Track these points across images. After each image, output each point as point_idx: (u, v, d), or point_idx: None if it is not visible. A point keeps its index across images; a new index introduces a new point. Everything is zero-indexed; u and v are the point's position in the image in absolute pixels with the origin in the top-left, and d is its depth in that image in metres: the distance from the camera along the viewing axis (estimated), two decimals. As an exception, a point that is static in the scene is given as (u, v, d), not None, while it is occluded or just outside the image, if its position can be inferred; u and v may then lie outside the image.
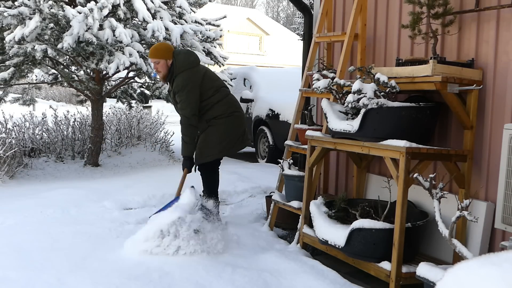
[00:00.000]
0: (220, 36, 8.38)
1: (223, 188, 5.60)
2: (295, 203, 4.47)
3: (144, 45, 7.69)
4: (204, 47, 8.05)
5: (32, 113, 8.89)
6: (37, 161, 7.95)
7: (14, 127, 8.10)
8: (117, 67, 6.78)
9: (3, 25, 6.91)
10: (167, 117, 10.96)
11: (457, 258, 3.28)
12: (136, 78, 8.78)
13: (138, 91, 10.04)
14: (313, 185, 4.24)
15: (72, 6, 7.12)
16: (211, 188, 4.70)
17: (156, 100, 11.06)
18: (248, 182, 6.39)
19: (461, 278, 1.52)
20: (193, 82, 4.40)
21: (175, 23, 7.60)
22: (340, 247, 3.50)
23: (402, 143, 3.21)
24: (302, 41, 5.80)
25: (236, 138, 4.63)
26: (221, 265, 3.86)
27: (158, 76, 4.63)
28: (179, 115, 4.48)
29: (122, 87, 9.06)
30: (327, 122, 3.80)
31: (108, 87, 8.77)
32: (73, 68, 8.35)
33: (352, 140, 3.61)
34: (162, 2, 7.50)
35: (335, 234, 3.55)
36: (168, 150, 9.59)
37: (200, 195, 4.38)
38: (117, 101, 9.74)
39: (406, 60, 3.58)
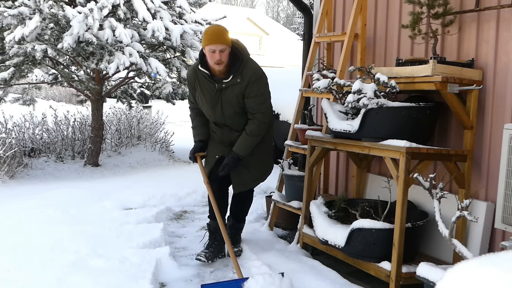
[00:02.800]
0: (220, 36, 8.36)
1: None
2: (295, 203, 4.47)
3: (144, 45, 7.70)
4: (204, 47, 8.04)
5: (32, 113, 8.90)
6: (37, 161, 7.96)
7: (14, 127, 8.11)
8: (117, 67, 6.79)
9: (3, 25, 6.92)
10: (167, 117, 10.97)
11: (457, 258, 3.28)
12: (136, 78, 8.79)
13: (138, 91, 10.05)
14: (313, 185, 4.24)
15: (72, 6, 7.13)
16: (248, 209, 4.23)
17: (156, 100, 11.06)
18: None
19: (461, 278, 1.52)
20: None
21: (175, 23, 7.61)
22: (340, 247, 3.50)
23: (402, 143, 3.21)
24: (302, 41, 5.80)
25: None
26: (221, 265, 3.87)
27: (217, 68, 3.59)
28: (250, 107, 3.67)
29: (122, 87, 9.06)
30: (327, 122, 3.80)
31: (108, 87, 8.77)
32: (73, 68, 8.36)
33: (352, 140, 3.61)
34: (162, 2, 7.51)
35: (335, 234, 3.55)
36: (168, 150, 9.60)
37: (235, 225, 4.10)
38: (117, 101, 9.75)
39: (406, 60, 3.58)
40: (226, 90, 3.64)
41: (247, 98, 3.63)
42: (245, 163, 3.79)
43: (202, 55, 3.67)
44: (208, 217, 4.08)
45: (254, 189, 4.14)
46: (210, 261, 3.83)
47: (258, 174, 3.97)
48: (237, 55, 3.61)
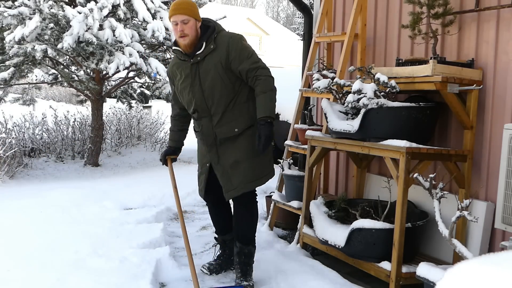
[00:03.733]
0: (220, 36, 8.37)
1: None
2: (295, 203, 4.47)
3: (144, 45, 7.70)
4: (204, 47, 8.04)
5: (32, 113, 8.91)
6: (37, 161, 7.96)
7: (14, 127, 8.12)
8: (117, 67, 6.79)
9: (3, 25, 6.92)
10: (167, 117, 10.96)
11: (457, 258, 3.28)
12: (136, 78, 8.79)
13: (138, 91, 10.05)
14: (313, 185, 4.24)
15: (72, 6, 7.13)
16: (254, 225, 3.55)
17: (156, 100, 11.06)
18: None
19: (461, 278, 1.51)
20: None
21: (175, 23, 7.59)
22: (340, 247, 3.50)
23: (402, 143, 3.21)
24: (302, 41, 5.80)
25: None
26: (221, 265, 3.87)
27: (182, 42, 3.27)
28: (250, 67, 3.25)
29: (122, 87, 9.06)
30: (327, 122, 3.80)
31: (108, 87, 8.78)
32: (73, 68, 8.36)
33: (352, 140, 3.61)
34: (162, 2, 7.51)
35: (335, 234, 3.55)
36: (168, 150, 9.59)
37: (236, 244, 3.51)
38: (117, 101, 9.75)
39: (406, 60, 3.58)
40: (202, 62, 3.28)
41: (239, 64, 3.24)
42: (234, 161, 3.34)
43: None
44: (215, 232, 3.81)
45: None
46: (214, 274, 3.64)
47: (251, 174, 3.35)
48: (208, 26, 3.32)
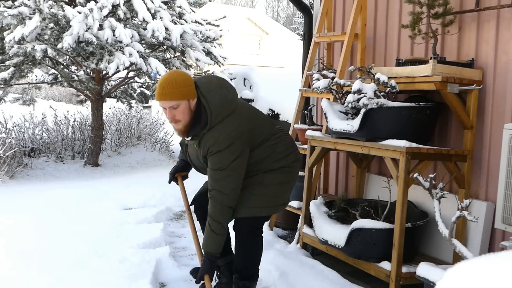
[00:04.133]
0: (220, 36, 8.40)
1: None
2: (295, 203, 4.47)
3: (144, 45, 7.70)
4: (204, 47, 8.07)
5: (32, 113, 8.90)
6: (37, 161, 7.96)
7: (14, 127, 8.12)
8: (117, 67, 6.79)
9: (3, 25, 6.92)
10: (167, 117, 10.97)
11: (457, 258, 3.28)
12: (136, 78, 8.79)
13: (138, 91, 10.06)
14: (313, 185, 4.24)
15: (72, 6, 7.13)
16: (257, 259, 3.07)
17: (156, 100, 11.07)
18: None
19: (461, 278, 1.51)
20: (242, 144, 2.77)
21: (175, 23, 7.61)
22: (340, 247, 3.50)
23: (402, 143, 3.21)
24: (302, 41, 5.80)
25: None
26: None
27: (174, 127, 2.84)
28: (208, 180, 2.86)
29: (122, 87, 9.07)
30: (327, 122, 3.80)
31: (108, 87, 8.78)
32: (73, 68, 8.37)
33: (352, 140, 3.61)
34: (162, 2, 7.51)
35: (335, 234, 3.55)
36: (168, 150, 9.60)
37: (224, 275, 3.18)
38: (117, 101, 9.76)
39: (406, 60, 3.58)
40: (190, 145, 2.99)
41: (208, 168, 2.82)
42: (254, 184, 2.91)
43: None
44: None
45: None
46: None
47: (267, 200, 2.93)
48: (201, 115, 2.75)
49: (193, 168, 3.22)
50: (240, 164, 2.76)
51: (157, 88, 2.75)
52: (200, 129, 2.76)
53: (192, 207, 3.24)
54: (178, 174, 3.24)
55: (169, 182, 3.23)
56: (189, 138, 2.84)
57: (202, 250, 2.84)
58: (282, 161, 2.93)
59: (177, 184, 3.23)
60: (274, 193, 2.95)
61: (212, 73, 8.02)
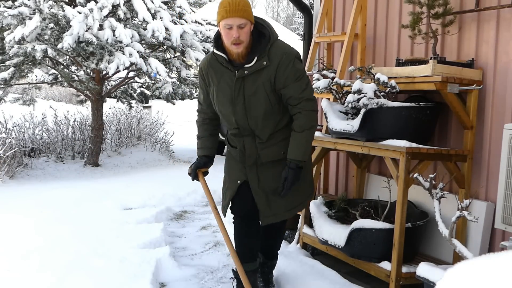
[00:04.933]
0: (220, 36, 8.38)
1: (221, 188, 5.60)
2: (295, 203, 4.46)
3: (144, 45, 7.70)
4: (204, 47, 8.07)
5: (32, 113, 8.90)
6: (37, 161, 7.96)
7: (14, 127, 8.12)
8: (117, 67, 6.80)
9: (3, 25, 6.93)
10: (167, 117, 10.97)
11: (457, 258, 3.28)
12: (136, 78, 8.80)
13: (138, 91, 10.07)
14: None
15: (72, 6, 7.14)
16: (281, 241, 3.42)
17: (156, 100, 11.06)
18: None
19: (461, 278, 1.51)
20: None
21: (175, 23, 7.61)
22: (340, 247, 3.50)
23: (402, 143, 3.21)
24: (302, 41, 5.79)
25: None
26: (221, 265, 3.87)
27: (234, 50, 2.78)
28: (290, 96, 2.83)
29: (122, 87, 9.07)
30: (327, 122, 3.80)
31: (108, 87, 8.78)
32: (73, 68, 8.37)
33: (352, 140, 3.61)
34: (162, 2, 7.52)
35: (335, 234, 3.55)
36: (168, 150, 9.60)
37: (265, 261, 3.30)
38: (117, 101, 9.76)
39: (406, 60, 3.58)
40: (249, 78, 2.81)
41: (284, 87, 2.80)
42: (276, 187, 2.95)
43: (217, 36, 2.87)
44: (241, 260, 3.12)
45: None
46: None
47: (291, 201, 3.03)
48: (263, 32, 2.82)
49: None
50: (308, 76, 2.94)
51: (226, 5, 2.69)
52: (266, 42, 2.79)
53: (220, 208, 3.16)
54: (199, 171, 3.15)
55: (193, 179, 3.14)
56: (252, 62, 2.77)
57: (294, 160, 2.86)
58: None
59: (198, 181, 3.16)
60: (308, 179, 3.12)
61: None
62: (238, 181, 3.03)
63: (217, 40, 2.87)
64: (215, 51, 2.86)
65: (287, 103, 2.87)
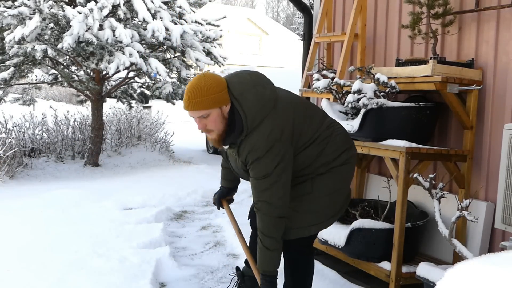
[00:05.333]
0: (220, 36, 8.40)
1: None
2: (295, 203, 4.45)
3: (144, 45, 7.69)
4: (204, 47, 8.07)
5: (32, 113, 8.90)
6: (37, 161, 7.96)
7: (14, 127, 8.11)
8: (117, 67, 6.79)
9: (3, 25, 6.93)
10: (167, 117, 10.96)
11: (457, 258, 3.28)
12: (136, 78, 8.80)
13: (138, 91, 10.05)
14: (313, 185, 4.23)
15: (72, 6, 7.14)
16: (306, 283, 2.76)
17: (156, 100, 11.05)
18: (247, 182, 6.39)
19: (461, 278, 1.51)
20: (283, 146, 2.41)
21: (175, 23, 7.61)
22: (340, 247, 3.50)
23: (402, 143, 3.22)
24: (302, 41, 5.79)
25: (345, 198, 2.71)
26: (221, 265, 3.87)
27: (208, 137, 2.54)
28: (251, 187, 2.54)
29: (122, 87, 9.07)
30: (327, 122, 3.79)
31: (108, 87, 8.78)
32: (73, 68, 8.37)
33: (352, 140, 3.60)
34: (162, 2, 7.51)
35: (335, 234, 3.55)
36: (168, 150, 9.60)
37: None
38: (117, 101, 9.75)
39: (406, 60, 3.58)
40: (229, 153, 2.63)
41: (251, 178, 2.50)
42: (300, 196, 2.56)
43: None
44: (245, 262, 3.08)
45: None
46: None
47: (318, 219, 2.61)
48: (235, 121, 2.40)
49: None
50: (285, 169, 2.40)
51: (184, 96, 2.40)
52: (236, 137, 2.42)
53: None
54: (224, 200, 3.02)
55: (218, 208, 3.03)
56: (227, 146, 2.51)
57: (266, 270, 2.52)
58: (333, 162, 2.55)
59: (223, 208, 3.04)
60: (323, 205, 2.58)
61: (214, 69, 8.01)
62: None
63: None
64: None
65: None
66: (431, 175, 2.74)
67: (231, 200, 3.08)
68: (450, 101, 3.33)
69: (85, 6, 6.73)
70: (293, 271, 2.71)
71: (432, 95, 3.68)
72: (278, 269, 2.53)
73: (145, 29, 7.27)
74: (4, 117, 8.06)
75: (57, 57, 7.26)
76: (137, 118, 9.62)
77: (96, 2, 6.71)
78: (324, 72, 4.52)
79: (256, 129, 2.39)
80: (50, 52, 6.70)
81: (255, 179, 2.44)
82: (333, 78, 4.06)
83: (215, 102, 2.35)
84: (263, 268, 2.51)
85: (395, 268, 3.20)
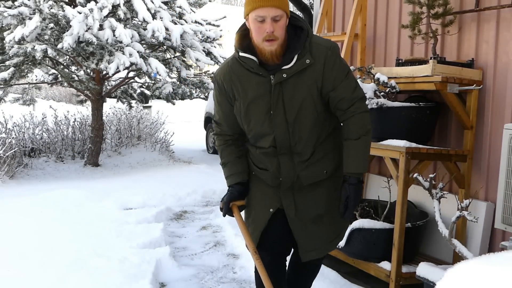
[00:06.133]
0: (220, 36, 8.40)
1: (222, 188, 5.60)
2: (295, 203, 4.45)
3: (144, 45, 7.69)
4: (204, 47, 8.07)
5: (32, 113, 8.89)
6: (37, 161, 7.96)
7: (14, 127, 8.11)
8: (117, 67, 6.79)
9: (3, 25, 6.93)
10: (167, 117, 10.96)
11: (457, 258, 3.28)
12: (136, 78, 8.80)
13: (138, 91, 10.06)
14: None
15: (72, 6, 7.14)
16: (311, 283, 2.75)
17: (156, 100, 11.05)
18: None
19: (461, 278, 1.51)
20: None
21: (175, 23, 7.61)
22: (340, 247, 3.49)
23: (402, 143, 3.21)
24: (302, 41, 5.79)
25: None
26: (221, 265, 3.87)
27: (267, 48, 2.21)
28: (341, 99, 2.29)
29: (122, 87, 9.07)
30: (327, 122, 3.79)
31: (108, 87, 8.78)
32: (73, 68, 8.36)
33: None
34: (162, 2, 7.51)
35: (335, 234, 3.54)
36: (168, 150, 9.60)
37: None
38: (117, 101, 9.75)
39: (406, 60, 3.58)
40: (288, 83, 2.25)
41: (333, 89, 2.27)
42: (316, 215, 2.41)
43: (242, 35, 2.35)
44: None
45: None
46: None
47: (335, 229, 2.49)
48: (298, 26, 2.28)
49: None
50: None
51: None
52: (304, 37, 2.23)
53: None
54: (234, 205, 2.45)
55: (224, 215, 2.45)
56: (292, 62, 2.22)
57: (355, 173, 2.30)
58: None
59: (232, 216, 2.46)
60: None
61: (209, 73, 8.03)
62: (271, 209, 2.41)
63: (242, 40, 2.32)
64: (242, 53, 2.28)
65: (336, 108, 2.31)
66: (431, 175, 2.74)
67: (243, 207, 2.50)
68: (450, 101, 3.33)
69: (85, 6, 6.73)
70: (315, 273, 2.71)
71: (432, 95, 3.67)
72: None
73: (145, 29, 7.27)
74: (4, 117, 8.06)
75: (57, 57, 7.26)
76: (137, 118, 9.62)
77: (96, 2, 6.71)
78: (324, 72, 4.52)
79: (314, 35, 2.32)
80: (50, 52, 6.70)
81: (345, 79, 2.29)
82: (333, 78, 4.05)
83: (288, 6, 2.26)
84: (363, 168, 2.33)
85: (395, 268, 3.20)
